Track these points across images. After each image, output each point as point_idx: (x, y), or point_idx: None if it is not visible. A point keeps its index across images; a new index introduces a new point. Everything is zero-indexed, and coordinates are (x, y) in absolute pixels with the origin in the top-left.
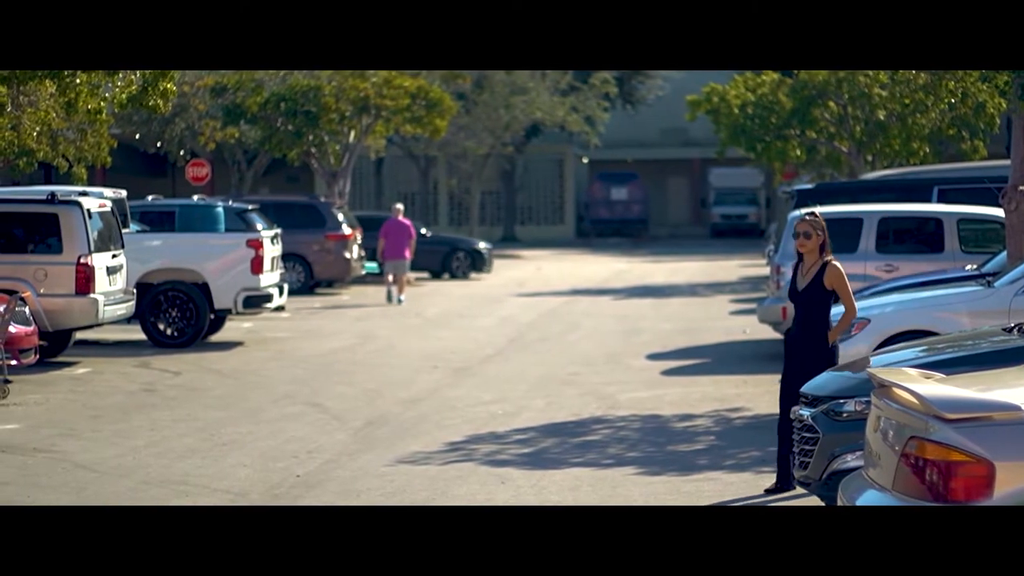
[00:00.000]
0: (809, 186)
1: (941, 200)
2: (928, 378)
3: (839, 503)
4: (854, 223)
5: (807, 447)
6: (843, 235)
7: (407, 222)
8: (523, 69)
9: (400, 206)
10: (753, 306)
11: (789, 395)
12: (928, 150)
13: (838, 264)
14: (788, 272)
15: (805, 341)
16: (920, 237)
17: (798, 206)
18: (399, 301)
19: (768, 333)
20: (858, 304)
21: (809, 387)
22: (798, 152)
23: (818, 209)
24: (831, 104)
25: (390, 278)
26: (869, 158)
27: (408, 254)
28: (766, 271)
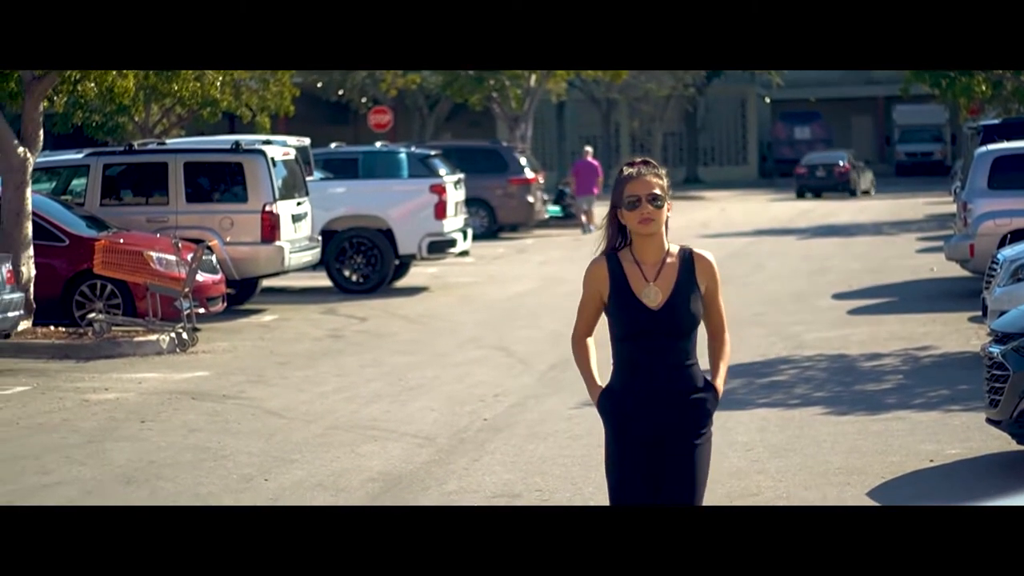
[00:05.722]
0: (995, 121)
1: None
2: None
3: None
4: None
5: (997, 385)
6: None
7: (595, 162)
8: (533, 69)
9: (589, 148)
10: (940, 244)
11: (636, 486)
12: None
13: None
14: (964, 209)
15: (675, 395)
16: None
17: (984, 142)
18: (590, 230)
19: (956, 271)
20: None
21: (999, 323)
22: (983, 87)
23: (1004, 144)
24: None
25: (582, 214)
26: None
27: (596, 190)
28: (952, 209)
